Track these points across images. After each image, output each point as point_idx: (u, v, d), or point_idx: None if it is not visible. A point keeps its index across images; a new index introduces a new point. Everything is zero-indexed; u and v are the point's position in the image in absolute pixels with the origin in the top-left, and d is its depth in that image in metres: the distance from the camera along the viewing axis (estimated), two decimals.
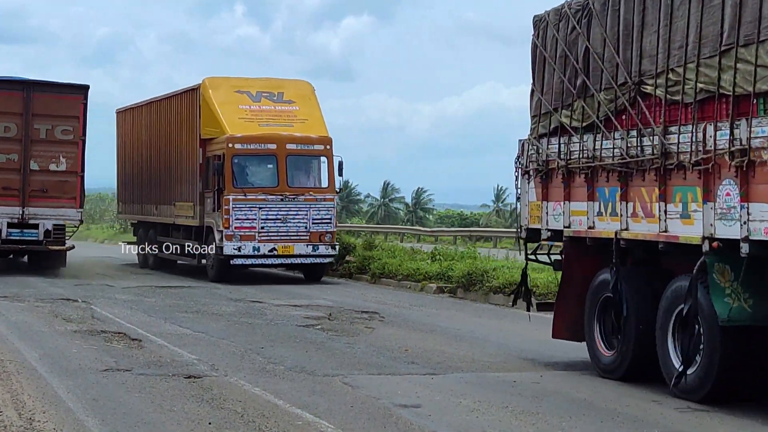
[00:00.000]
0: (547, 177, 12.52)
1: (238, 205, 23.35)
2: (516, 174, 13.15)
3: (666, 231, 10.38)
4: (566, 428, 8.97)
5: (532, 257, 13.32)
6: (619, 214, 11.15)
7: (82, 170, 25.00)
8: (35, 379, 10.77)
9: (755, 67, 9.17)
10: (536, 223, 12.79)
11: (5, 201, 24.34)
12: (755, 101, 9.23)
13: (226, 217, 23.31)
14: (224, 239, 23.31)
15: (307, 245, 23.68)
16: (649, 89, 10.70)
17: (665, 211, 10.39)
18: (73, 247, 25.77)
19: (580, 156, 11.80)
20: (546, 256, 13.22)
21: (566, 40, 12.13)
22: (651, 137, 10.55)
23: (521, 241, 13.30)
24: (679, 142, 10.13)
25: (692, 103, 10.01)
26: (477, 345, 13.85)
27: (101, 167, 36.09)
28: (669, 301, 10.39)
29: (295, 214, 23.66)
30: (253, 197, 23.50)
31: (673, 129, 10.28)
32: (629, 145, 10.92)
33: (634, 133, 10.87)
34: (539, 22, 12.78)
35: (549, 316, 12.85)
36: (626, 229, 11.03)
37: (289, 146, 23.92)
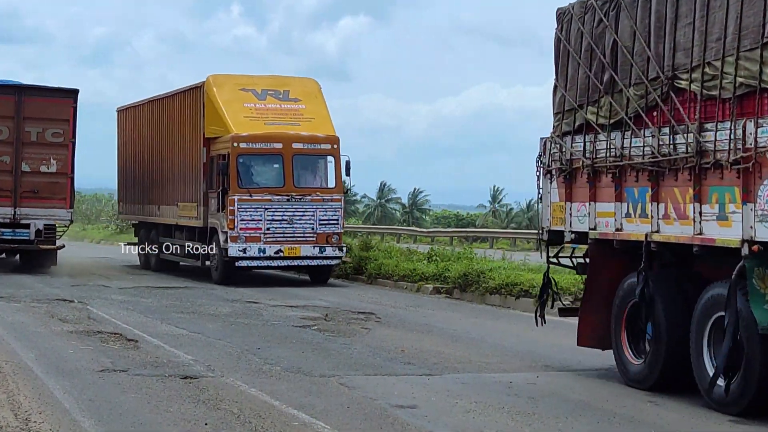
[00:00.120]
0: (571, 177, 11.99)
1: (243, 206, 22.80)
2: (537, 174, 12.62)
3: (701, 233, 9.84)
4: (562, 429, 8.96)
5: (554, 260, 12.76)
6: (649, 216, 10.61)
7: (72, 172, 25.67)
8: (31, 380, 10.74)
9: None
10: (559, 225, 12.27)
11: None
12: None
13: (231, 217, 22.77)
14: (229, 240, 22.77)
15: (314, 247, 23.15)
16: (683, 84, 10.15)
17: (700, 213, 9.84)
18: (63, 246, 26.21)
19: (607, 155, 11.27)
20: (568, 259, 12.68)
21: (592, 34, 11.60)
22: (685, 134, 10.00)
23: (542, 244, 12.76)
24: (716, 140, 9.58)
25: (731, 99, 9.44)
26: (473, 346, 13.80)
27: (97, 167, 35.83)
28: (704, 308, 9.85)
29: (302, 215, 23.12)
30: (259, 198, 22.95)
31: (709, 126, 9.74)
32: (661, 143, 10.39)
33: (666, 130, 10.33)
34: (563, 15, 12.24)
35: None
36: (657, 232, 10.49)
37: (295, 145, 23.36)
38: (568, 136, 12.08)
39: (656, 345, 10.56)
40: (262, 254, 22.87)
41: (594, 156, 11.49)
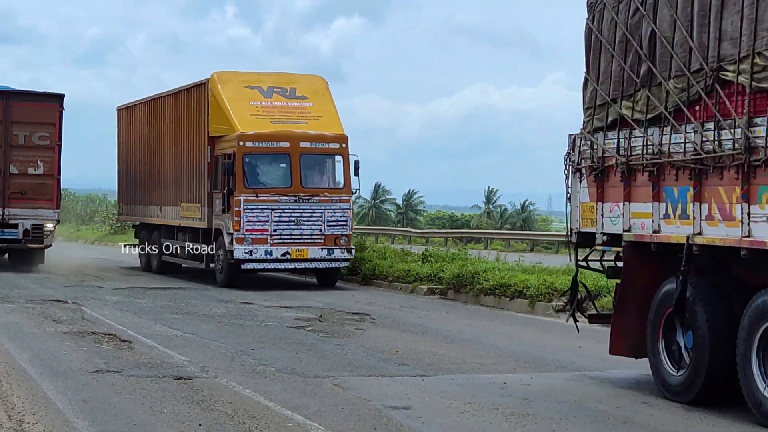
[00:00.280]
0: (603, 175, 11.30)
1: (249, 207, 22.11)
2: (566, 172, 11.93)
3: (749, 236, 9.14)
4: (557, 430, 8.90)
5: (583, 264, 12.08)
6: (690, 217, 9.93)
7: (59, 173, 26.68)
8: (25, 381, 10.72)
9: None
10: (589, 226, 11.58)
11: None
12: None
13: (236, 219, 22.09)
14: (234, 242, 22.09)
15: (322, 249, 22.47)
16: (730, 76, 9.44)
17: (749, 214, 9.14)
18: (51, 245, 26.84)
19: (644, 152, 10.58)
20: (598, 263, 12.00)
21: (627, 24, 10.91)
22: (732, 130, 9.31)
23: (571, 247, 12.07)
24: (767, 135, 8.91)
25: None
26: (467, 347, 13.75)
27: (92, 167, 35.84)
28: (753, 317, 9.16)
29: (310, 216, 22.45)
30: (266, 198, 22.26)
31: (759, 120, 9.03)
32: (704, 138, 9.69)
33: (710, 125, 9.64)
34: (594, 5, 11.54)
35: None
36: (700, 234, 9.80)
37: (302, 144, 22.69)
38: (599, 132, 11.40)
39: (698, 356, 9.88)
40: (268, 256, 22.19)
41: (629, 153, 10.81)
